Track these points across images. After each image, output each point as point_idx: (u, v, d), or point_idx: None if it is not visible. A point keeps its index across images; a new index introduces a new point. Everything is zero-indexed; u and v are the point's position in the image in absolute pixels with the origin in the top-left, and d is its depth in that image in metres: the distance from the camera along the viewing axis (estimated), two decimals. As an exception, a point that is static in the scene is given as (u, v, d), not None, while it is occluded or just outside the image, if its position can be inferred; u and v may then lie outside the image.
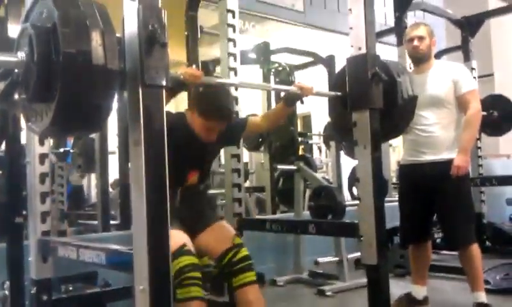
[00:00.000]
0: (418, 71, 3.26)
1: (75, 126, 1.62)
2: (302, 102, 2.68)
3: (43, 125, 1.56)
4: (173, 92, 2.30)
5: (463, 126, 3.15)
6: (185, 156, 2.51)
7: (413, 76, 2.92)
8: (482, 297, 3.10)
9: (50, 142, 3.04)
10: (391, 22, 5.31)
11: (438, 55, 5.23)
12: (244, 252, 2.52)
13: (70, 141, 5.73)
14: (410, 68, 3.42)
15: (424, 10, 5.49)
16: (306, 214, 4.40)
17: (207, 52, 5.36)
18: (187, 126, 2.59)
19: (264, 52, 5.42)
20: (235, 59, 3.19)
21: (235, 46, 3.20)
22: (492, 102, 5.10)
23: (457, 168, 3.06)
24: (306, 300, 3.88)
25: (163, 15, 1.55)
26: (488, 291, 3.26)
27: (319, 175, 5.04)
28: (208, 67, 4.67)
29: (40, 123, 1.58)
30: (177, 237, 2.33)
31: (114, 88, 1.55)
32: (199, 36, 3.85)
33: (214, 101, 2.52)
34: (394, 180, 6.29)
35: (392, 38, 4.70)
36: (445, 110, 3.17)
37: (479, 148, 5.22)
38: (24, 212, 2.72)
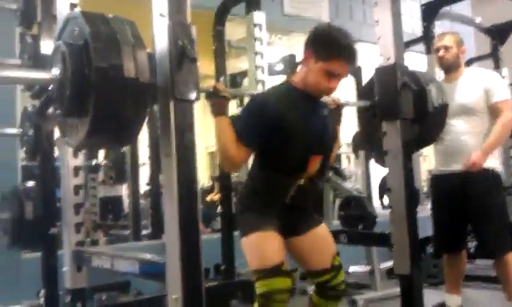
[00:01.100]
0: (448, 80, 3.23)
1: (109, 139, 1.67)
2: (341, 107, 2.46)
3: (78, 138, 1.61)
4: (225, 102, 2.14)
5: (492, 130, 3.09)
6: (299, 132, 2.14)
7: (443, 84, 2.90)
8: (519, 307, 3.04)
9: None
10: (418, 31, 5.27)
11: (468, 63, 5.16)
12: (341, 277, 2.30)
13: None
14: (439, 78, 3.38)
15: (451, 19, 5.43)
16: (336, 224, 4.38)
17: (233, 64, 5.40)
18: (294, 90, 2.22)
19: (290, 64, 5.43)
20: (262, 72, 3.22)
21: (262, 58, 3.23)
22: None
23: (473, 163, 3.00)
24: (337, 310, 3.85)
25: (192, 31, 1.58)
26: (525, 301, 3.19)
27: (348, 185, 5.00)
28: (236, 80, 4.72)
29: (75, 137, 1.63)
30: (276, 249, 2.10)
31: (145, 102, 1.59)
32: (227, 50, 3.89)
33: (335, 35, 2.15)
34: (425, 189, 6.19)
35: (420, 46, 4.66)
36: (475, 119, 3.12)
37: (512, 157, 5.11)
38: (58, 223, 2.79)
